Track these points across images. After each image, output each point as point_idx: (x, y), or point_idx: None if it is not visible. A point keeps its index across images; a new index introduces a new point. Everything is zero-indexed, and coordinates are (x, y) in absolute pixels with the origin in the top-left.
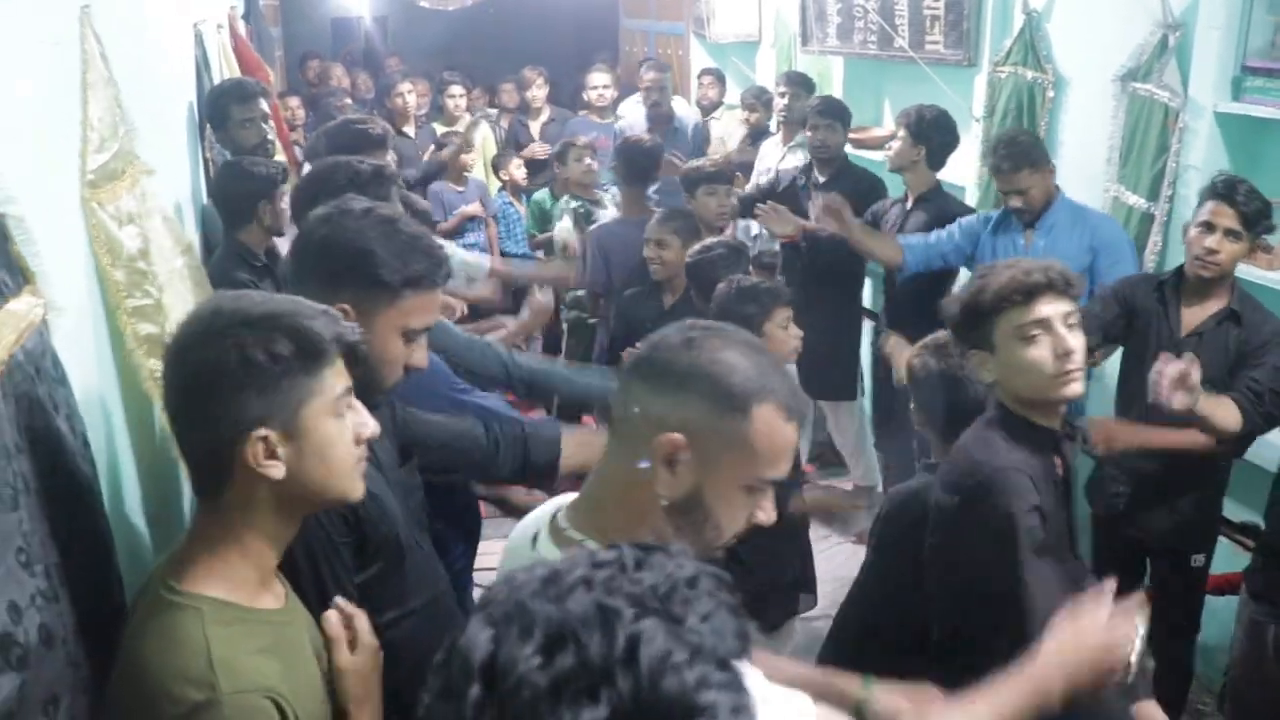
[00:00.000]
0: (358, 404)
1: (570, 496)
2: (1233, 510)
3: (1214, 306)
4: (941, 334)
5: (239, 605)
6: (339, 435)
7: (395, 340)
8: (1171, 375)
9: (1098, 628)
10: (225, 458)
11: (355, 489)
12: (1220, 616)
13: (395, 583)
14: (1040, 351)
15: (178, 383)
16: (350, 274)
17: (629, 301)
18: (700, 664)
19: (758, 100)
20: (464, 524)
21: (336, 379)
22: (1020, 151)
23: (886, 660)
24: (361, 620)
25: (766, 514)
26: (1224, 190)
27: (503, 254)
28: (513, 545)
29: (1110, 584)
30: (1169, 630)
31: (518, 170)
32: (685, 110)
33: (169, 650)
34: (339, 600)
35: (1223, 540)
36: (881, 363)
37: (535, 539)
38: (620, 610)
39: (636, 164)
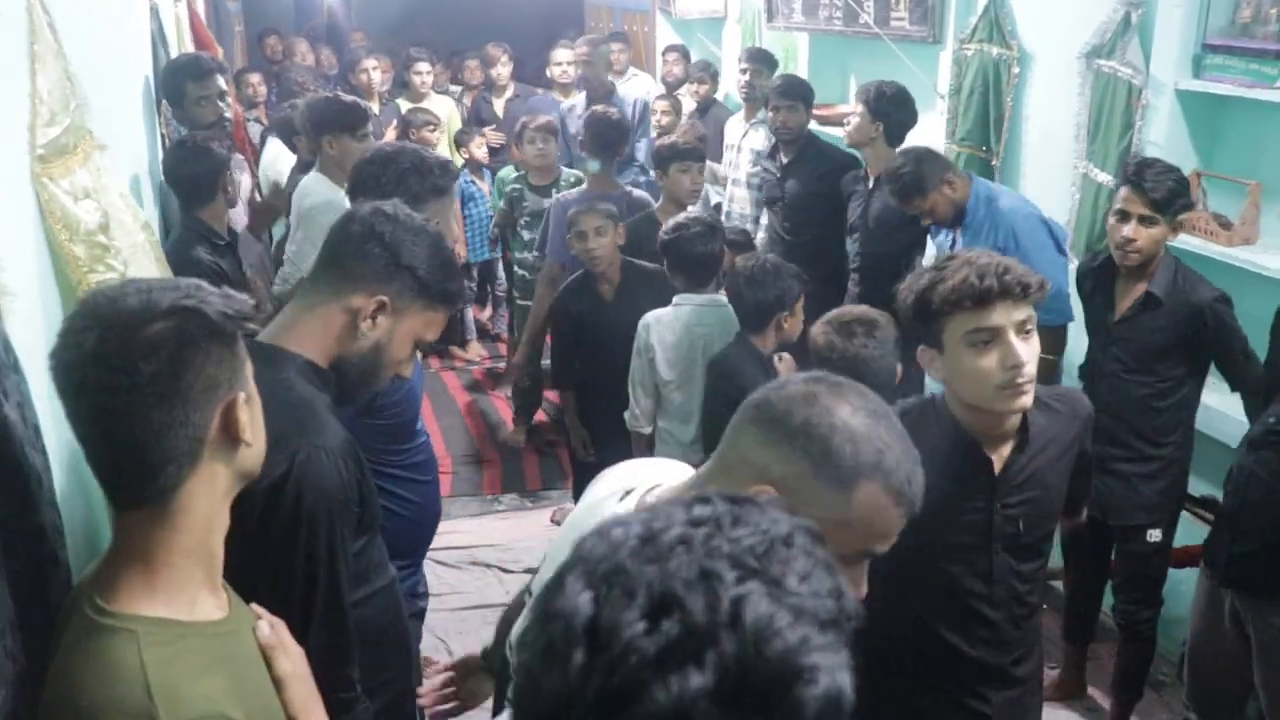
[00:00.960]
0: None
1: (669, 478)
2: (1195, 486)
3: (1140, 290)
4: (849, 309)
5: (178, 621)
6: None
7: (409, 345)
8: None
9: None
10: (200, 439)
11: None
12: (1180, 590)
13: (366, 559)
14: (988, 361)
15: (132, 380)
16: (403, 274)
17: (566, 295)
18: (802, 626)
19: (705, 74)
20: None
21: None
22: (904, 186)
23: None
24: (283, 628)
25: (858, 589)
26: (1133, 177)
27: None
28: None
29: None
30: (1132, 604)
31: (479, 149)
32: (649, 86)
33: (102, 680)
34: (256, 607)
35: (1185, 514)
36: None
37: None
38: (722, 573)
39: (604, 137)
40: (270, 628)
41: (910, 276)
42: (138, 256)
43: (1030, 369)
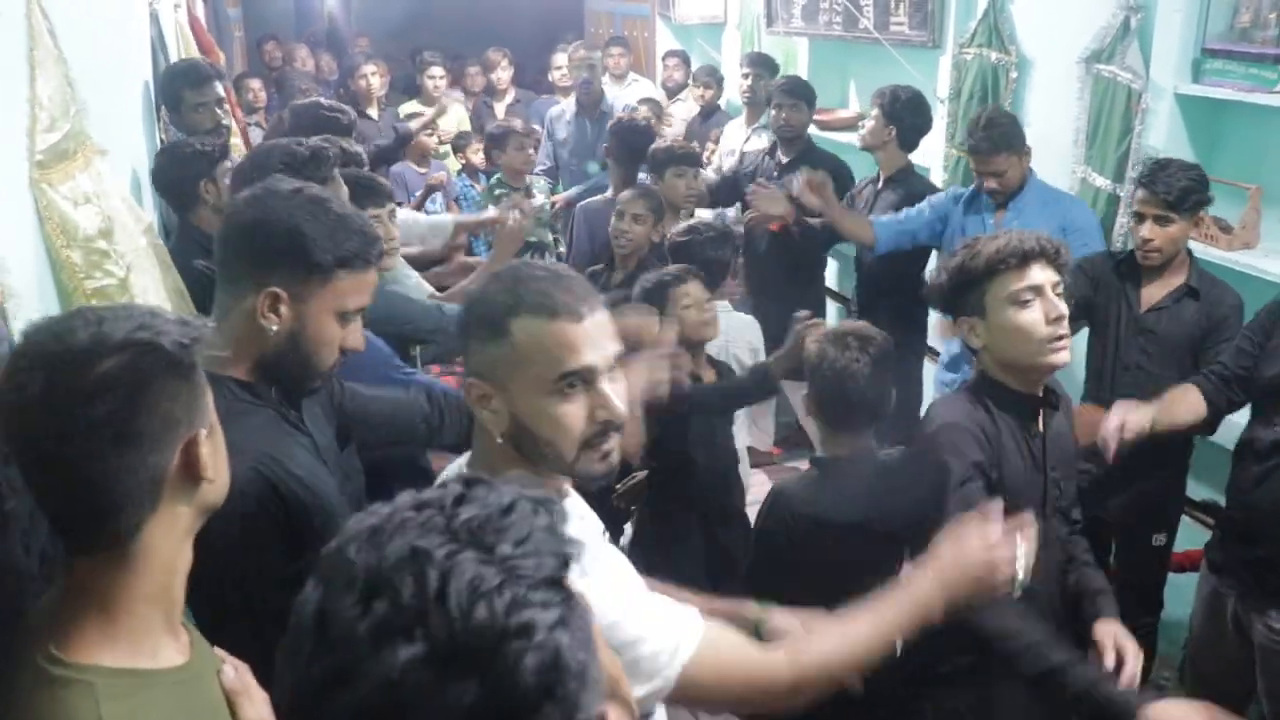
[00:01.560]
0: None
1: None
2: (1195, 490)
3: (1174, 282)
4: (846, 324)
5: (138, 670)
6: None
7: (330, 322)
8: (1113, 429)
9: (979, 546)
10: (159, 479)
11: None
12: (1181, 594)
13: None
14: (1033, 315)
15: (85, 422)
16: (281, 256)
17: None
18: (512, 587)
19: (710, 79)
20: None
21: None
22: (1000, 135)
23: None
24: (247, 672)
25: (609, 410)
26: (1146, 180)
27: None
28: None
29: (997, 504)
30: (1132, 608)
31: (475, 155)
32: (649, 91)
33: None
34: (221, 652)
35: (1185, 518)
36: None
37: None
38: (431, 550)
39: (629, 144)
40: (235, 671)
41: (940, 259)
42: (141, 261)
43: (1067, 325)
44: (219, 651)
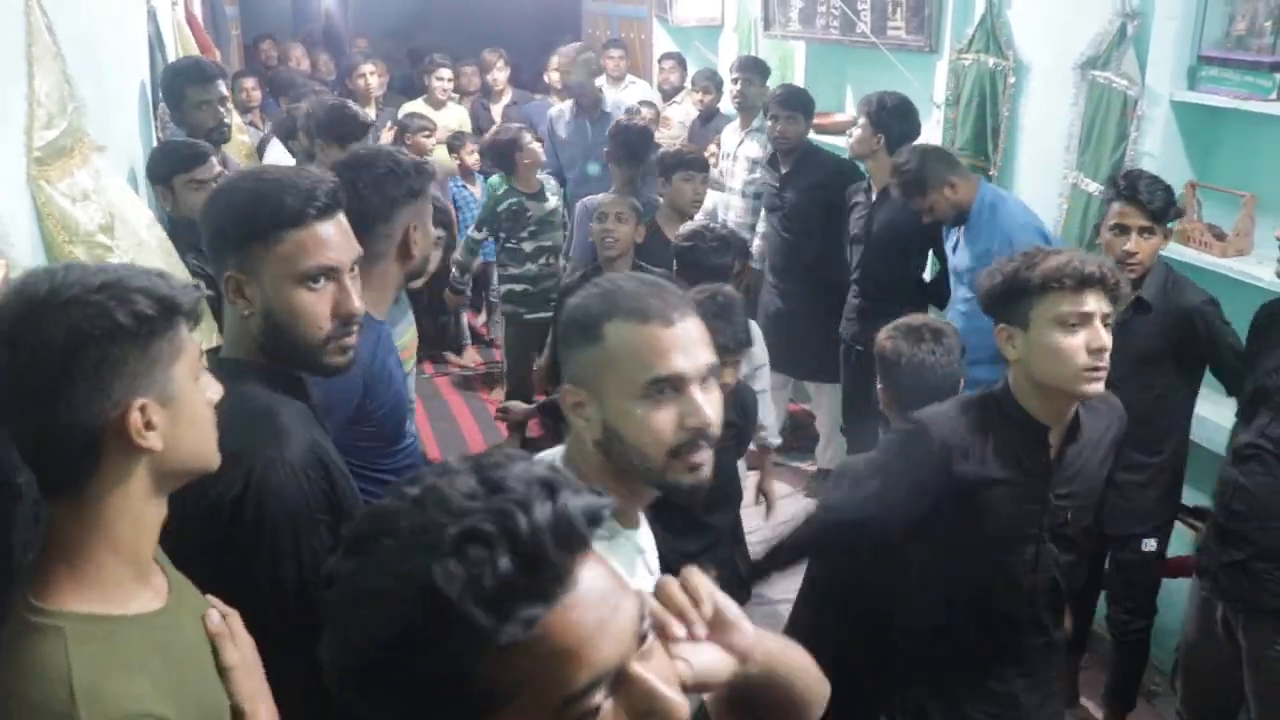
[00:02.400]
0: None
1: None
2: (1189, 495)
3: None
4: (916, 317)
5: (109, 616)
6: (202, 397)
7: (294, 289)
8: None
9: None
10: (92, 441)
11: (216, 456)
12: (1172, 599)
13: None
14: (1076, 341)
15: (16, 368)
16: (225, 240)
17: (571, 288)
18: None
19: (710, 82)
20: None
21: (190, 338)
22: (905, 184)
23: (840, 653)
24: (235, 619)
25: (699, 418)
26: (1127, 191)
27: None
28: None
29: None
30: (1126, 614)
31: (469, 156)
32: (645, 93)
33: (28, 680)
34: (212, 598)
35: (1179, 524)
36: (852, 348)
37: None
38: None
39: (630, 145)
40: (221, 617)
41: (997, 261)
42: (144, 255)
43: (1108, 358)
44: (210, 598)
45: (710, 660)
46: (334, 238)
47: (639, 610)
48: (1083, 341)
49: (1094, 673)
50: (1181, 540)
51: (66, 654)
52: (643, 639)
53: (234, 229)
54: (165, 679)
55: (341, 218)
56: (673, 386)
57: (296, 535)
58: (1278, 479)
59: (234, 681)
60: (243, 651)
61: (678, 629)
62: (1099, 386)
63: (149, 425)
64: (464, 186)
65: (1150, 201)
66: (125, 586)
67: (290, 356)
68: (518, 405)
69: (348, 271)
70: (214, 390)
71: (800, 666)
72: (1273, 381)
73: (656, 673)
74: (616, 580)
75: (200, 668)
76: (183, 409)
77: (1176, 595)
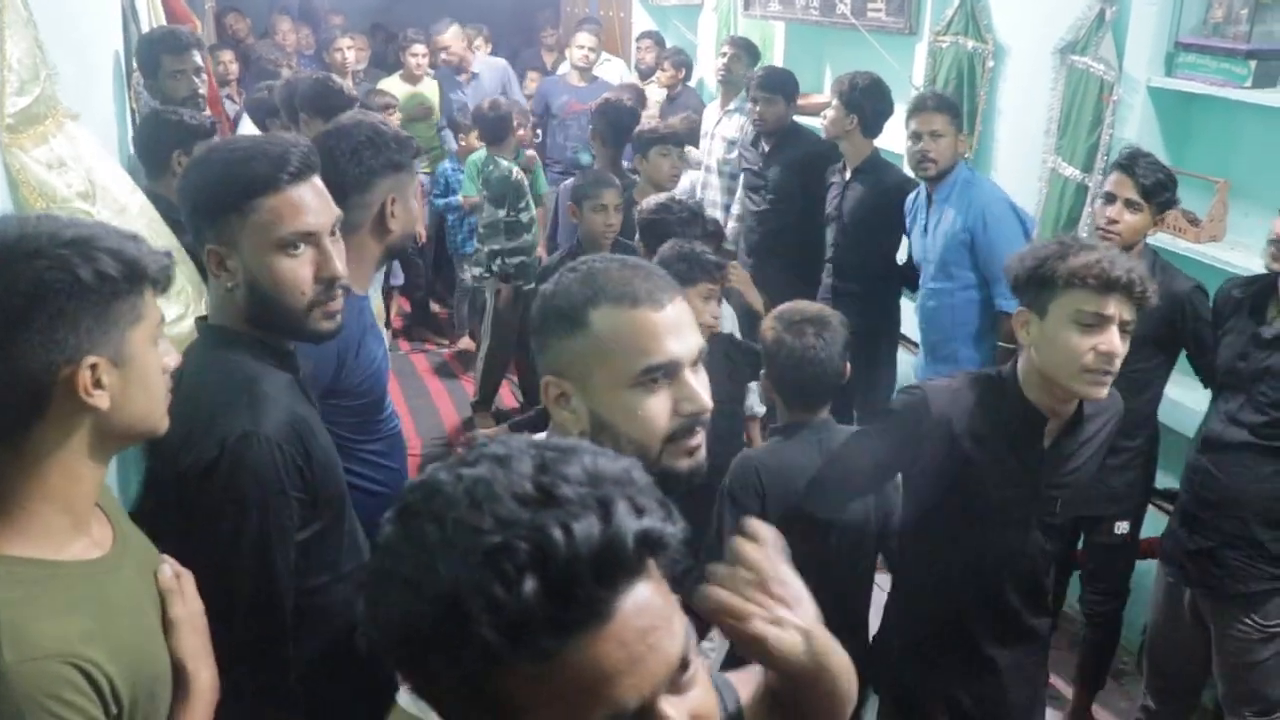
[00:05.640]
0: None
1: None
2: (1162, 479)
3: None
4: (800, 306)
5: (42, 560)
6: (157, 363)
7: (275, 256)
8: None
9: None
10: (41, 391)
11: (164, 422)
12: (1142, 581)
13: (332, 544)
14: (1086, 343)
15: None
16: (202, 212)
17: (545, 273)
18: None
19: (676, 59)
20: None
21: (154, 305)
22: (947, 102)
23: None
24: (188, 579)
25: (694, 402)
26: (1125, 162)
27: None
28: None
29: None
30: (1098, 595)
31: (475, 139)
32: (621, 72)
33: None
34: (167, 557)
35: (1152, 507)
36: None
37: None
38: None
39: (615, 124)
40: (173, 573)
41: (1030, 245)
42: (126, 222)
43: (1118, 364)
44: (165, 558)
45: (784, 636)
46: (310, 201)
47: (684, 643)
48: (1093, 343)
49: (1064, 652)
50: (1155, 522)
51: None
52: (684, 667)
53: (208, 202)
54: (97, 626)
55: (317, 180)
56: (666, 372)
57: (265, 510)
58: (1247, 467)
59: (178, 637)
60: (190, 610)
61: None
62: (1102, 391)
63: (98, 384)
64: (460, 169)
65: (1144, 177)
66: (60, 535)
67: (276, 325)
68: None
69: (327, 235)
70: (172, 358)
71: (845, 662)
72: (1245, 365)
73: (694, 707)
74: (663, 611)
75: (139, 620)
76: (134, 372)
77: (1146, 577)
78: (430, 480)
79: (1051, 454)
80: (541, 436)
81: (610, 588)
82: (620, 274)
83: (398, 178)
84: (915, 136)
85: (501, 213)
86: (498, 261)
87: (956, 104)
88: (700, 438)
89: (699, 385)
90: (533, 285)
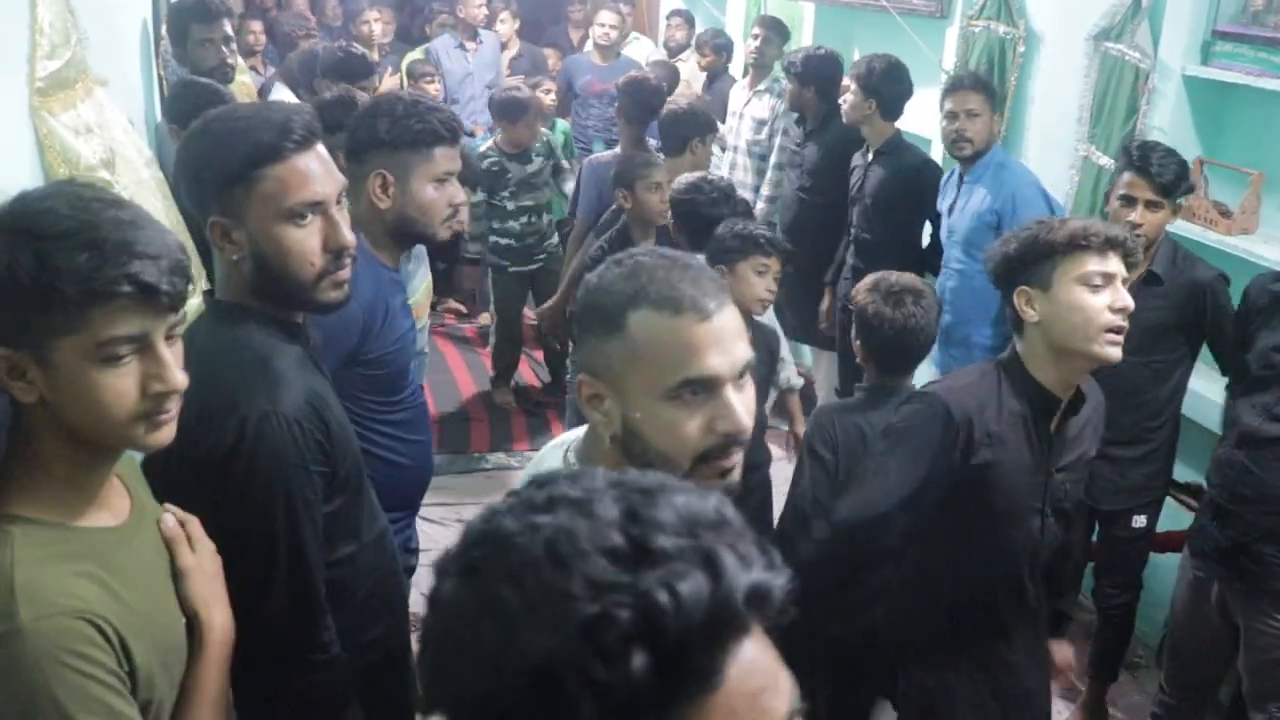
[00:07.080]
0: (163, 354)
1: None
2: (1181, 472)
3: (1143, 269)
4: (893, 275)
5: (58, 525)
6: (105, 384)
7: (281, 227)
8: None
9: None
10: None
11: (138, 438)
12: (1159, 574)
13: (354, 516)
14: (1101, 300)
15: None
16: (205, 184)
17: (591, 263)
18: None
19: (712, 44)
20: None
21: (106, 325)
22: (983, 82)
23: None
24: (195, 524)
25: (732, 422)
26: (1139, 162)
27: None
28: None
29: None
30: (1113, 588)
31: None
32: (650, 51)
33: None
34: (170, 505)
35: (1169, 500)
36: (846, 306)
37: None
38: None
39: (640, 102)
40: (176, 521)
41: (1008, 232)
42: (142, 194)
43: (1126, 324)
44: (168, 505)
45: None
46: (315, 170)
47: (791, 700)
48: (1107, 301)
49: (1076, 644)
50: (1171, 515)
51: (11, 554)
52: None
53: (211, 173)
54: (109, 591)
55: (321, 148)
56: (705, 387)
57: (289, 490)
58: None
59: (189, 585)
60: (200, 557)
61: None
62: (1118, 351)
63: (22, 376)
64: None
65: (1160, 175)
66: (77, 504)
67: (284, 297)
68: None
69: (334, 203)
70: (164, 381)
71: None
72: None
73: None
74: (770, 669)
75: (152, 589)
76: (63, 381)
77: (1162, 570)
78: (496, 531)
79: (1058, 438)
80: (578, 437)
81: (721, 652)
82: (666, 275)
83: (398, 156)
84: (951, 116)
85: (478, 196)
86: (490, 242)
87: (992, 84)
88: (736, 458)
89: (739, 404)
90: (520, 269)
